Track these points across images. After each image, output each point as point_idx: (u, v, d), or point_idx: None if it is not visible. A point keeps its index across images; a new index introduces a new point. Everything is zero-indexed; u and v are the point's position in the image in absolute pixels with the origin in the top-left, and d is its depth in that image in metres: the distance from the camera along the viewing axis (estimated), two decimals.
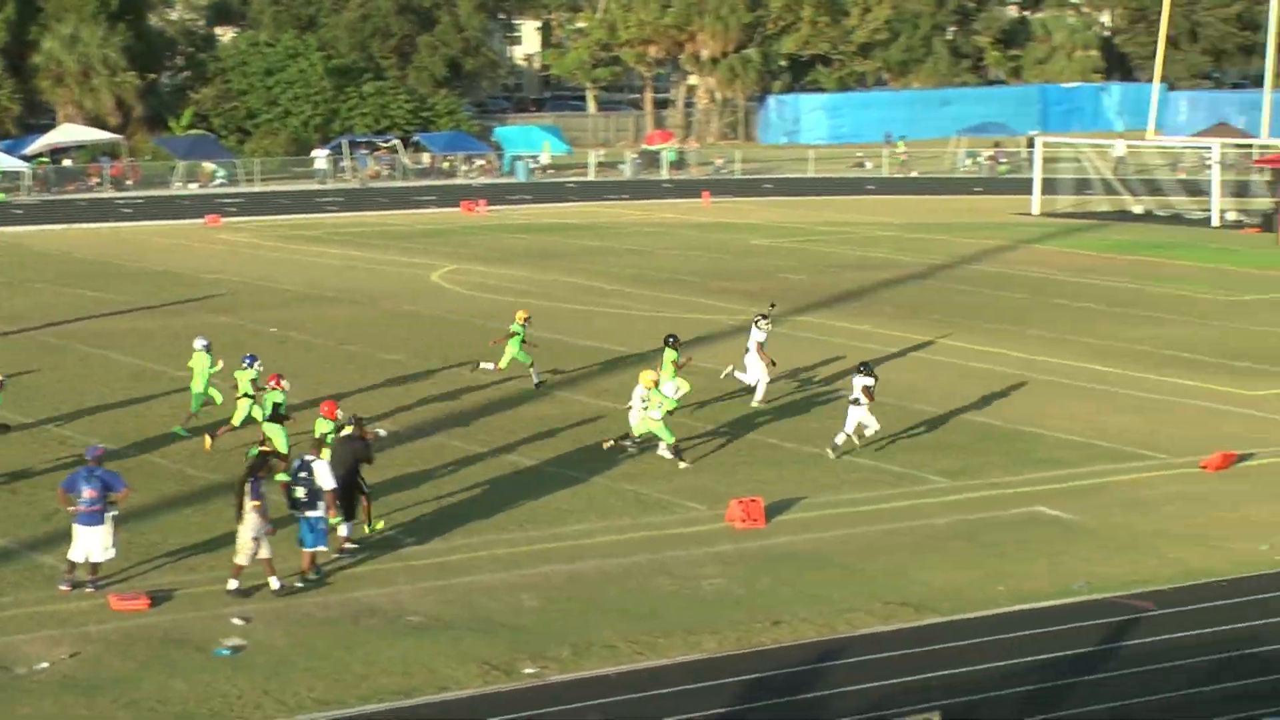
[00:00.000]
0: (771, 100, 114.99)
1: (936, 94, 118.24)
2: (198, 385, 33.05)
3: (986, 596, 24.42)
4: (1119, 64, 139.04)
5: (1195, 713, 20.27)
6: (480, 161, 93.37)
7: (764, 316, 36.01)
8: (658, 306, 48.24)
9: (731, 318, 45.73)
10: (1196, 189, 74.02)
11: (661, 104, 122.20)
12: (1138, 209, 72.29)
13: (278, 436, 29.38)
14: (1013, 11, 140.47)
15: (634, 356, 39.33)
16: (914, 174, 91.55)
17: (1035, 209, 71.51)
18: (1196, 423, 34.54)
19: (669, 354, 33.52)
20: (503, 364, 37.04)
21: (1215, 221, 67.64)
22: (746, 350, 35.80)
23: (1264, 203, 68.73)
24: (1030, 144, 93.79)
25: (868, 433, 31.78)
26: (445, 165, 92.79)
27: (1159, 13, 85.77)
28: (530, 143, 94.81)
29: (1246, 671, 21.87)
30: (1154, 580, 25.16)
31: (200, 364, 33.00)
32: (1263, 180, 71.78)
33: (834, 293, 50.58)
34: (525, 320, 37.24)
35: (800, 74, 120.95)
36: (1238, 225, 67.15)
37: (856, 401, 31.53)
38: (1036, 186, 72.34)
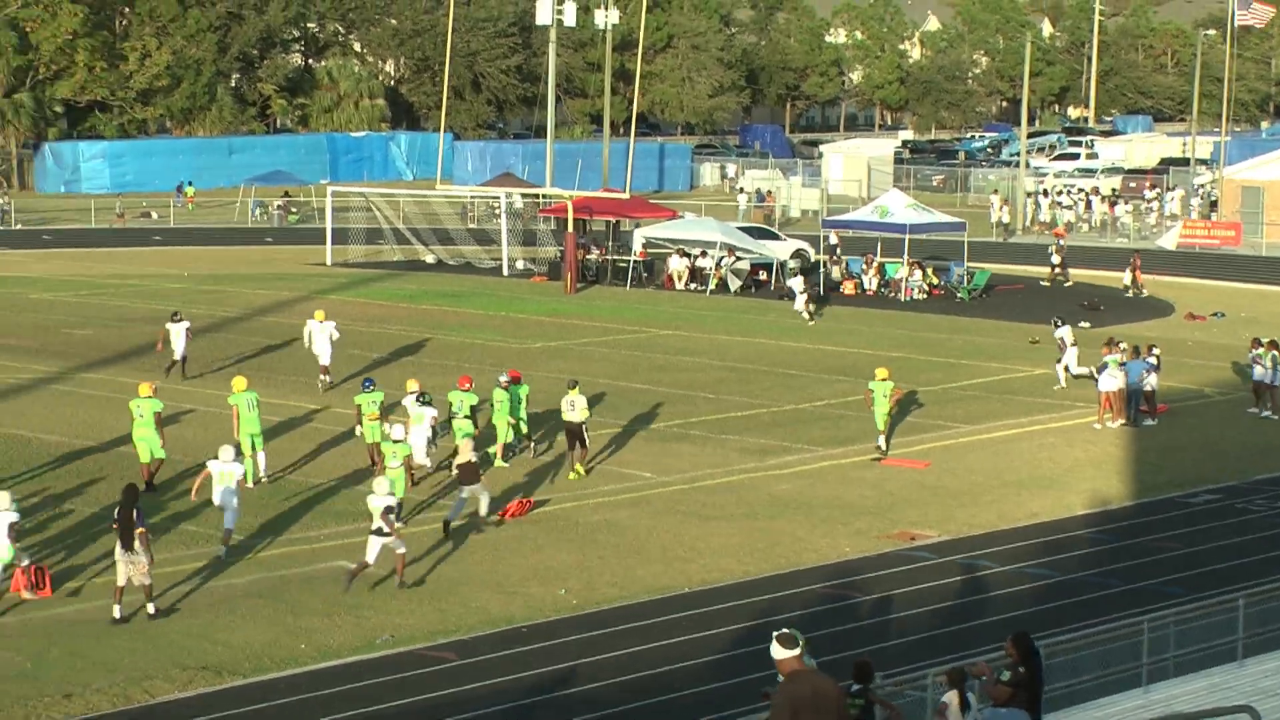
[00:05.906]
0: (47, 148, 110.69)
1: (223, 142, 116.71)
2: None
3: (289, 655, 23.87)
4: (406, 113, 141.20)
5: None
6: None
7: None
8: None
9: (13, 375, 43.54)
10: (486, 238, 75.48)
11: None
12: (429, 258, 73.07)
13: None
14: (297, 60, 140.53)
15: None
16: (205, 225, 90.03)
17: (329, 259, 71.37)
18: (494, 471, 34.86)
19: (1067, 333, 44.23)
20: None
21: (505, 270, 69.09)
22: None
23: (550, 251, 70.67)
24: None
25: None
26: None
27: (442, 63, 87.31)
28: None
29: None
30: (457, 630, 25.16)
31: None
32: (548, 230, 73.76)
33: (123, 348, 48.75)
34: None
35: (78, 120, 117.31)
36: (526, 274, 68.76)
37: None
38: (329, 236, 72.22)
